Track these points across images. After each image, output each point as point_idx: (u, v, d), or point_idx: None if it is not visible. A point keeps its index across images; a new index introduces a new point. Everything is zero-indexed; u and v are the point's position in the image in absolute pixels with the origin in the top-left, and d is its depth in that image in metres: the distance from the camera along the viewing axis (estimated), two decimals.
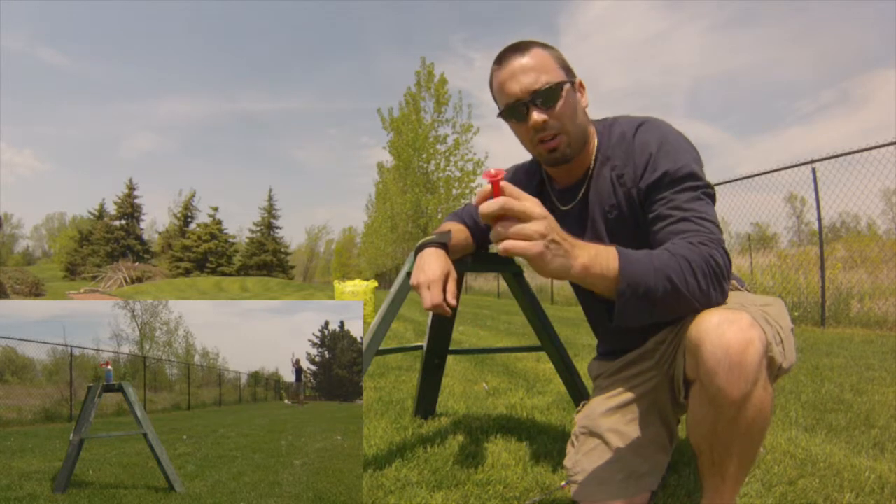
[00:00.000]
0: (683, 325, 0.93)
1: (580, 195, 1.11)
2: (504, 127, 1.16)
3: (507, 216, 0.71)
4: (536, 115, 1.01)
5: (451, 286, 1.10)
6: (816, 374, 2.68)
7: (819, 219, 5.57)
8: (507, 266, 1.49)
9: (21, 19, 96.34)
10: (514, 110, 1.03)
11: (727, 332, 0.82)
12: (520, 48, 1.04)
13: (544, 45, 1.05)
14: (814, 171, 5.62)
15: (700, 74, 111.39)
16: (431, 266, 1.11)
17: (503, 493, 1.20)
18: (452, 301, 1.09)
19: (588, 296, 1.27)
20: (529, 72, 1.01)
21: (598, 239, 1.10)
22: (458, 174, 20.89)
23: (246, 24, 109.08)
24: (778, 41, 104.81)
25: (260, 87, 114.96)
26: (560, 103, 1.02)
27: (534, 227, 0.71)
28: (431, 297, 1.07)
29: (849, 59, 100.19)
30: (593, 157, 1.10)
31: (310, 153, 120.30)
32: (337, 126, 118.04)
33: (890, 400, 2.09)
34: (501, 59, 1.05)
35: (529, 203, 0.72)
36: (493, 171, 0.72)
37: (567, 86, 1.03)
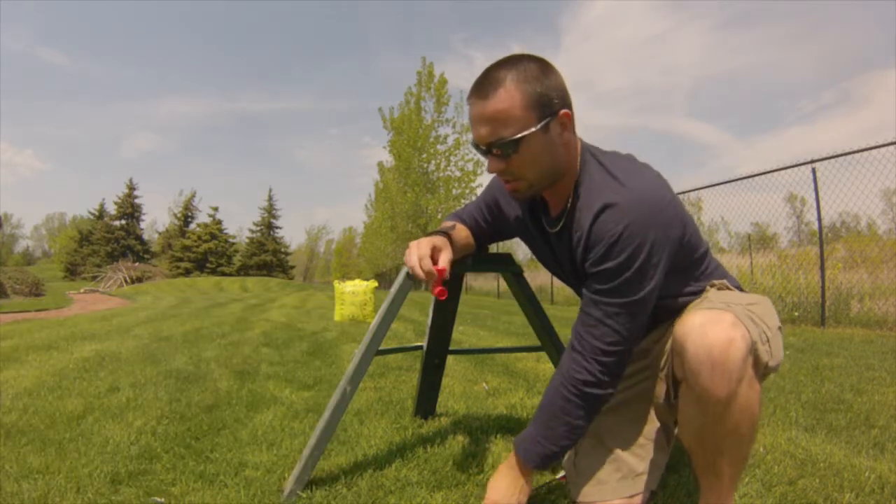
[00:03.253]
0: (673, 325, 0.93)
1: (561, 225, 1.08)
2: None
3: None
4: (491, 166, 0.99)
5: (443, 256, 1.11)
6: (816, 374, 2.68)
7: (819, 219, 5.58)
8: (507, 266, 1.49)
9: (21, 19, 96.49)
10: (477, 150, 1.01)
11: (710, 331, 0.83)
12: (483, 90, 0.94)
13: (520, 77, 0.92)
14: (814, 171, 5.63)
15: (700, 74, 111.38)
16: (421, 242, 1.12)
17: None
18: (441, 266, 1.10)
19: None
20: (488, 123, 0.94)
21: (574, 266, 1.08)
22: (458, 174, 20.93)
23: (246, 24, 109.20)
24: (778, 41, 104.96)
25: (260, 87, 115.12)
26: (516, 156, 0.95)
27: None
28: (420, 264, 1.08)
29: (849, 59, 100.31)
30: (571, 192, 1.04)
31: (310, 153, 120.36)
32: (338, 126, 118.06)
33: (890, 400, 2.09)
34: (469, 96, 0.98)
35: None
36: None
37: (533, 133, 0.93)
